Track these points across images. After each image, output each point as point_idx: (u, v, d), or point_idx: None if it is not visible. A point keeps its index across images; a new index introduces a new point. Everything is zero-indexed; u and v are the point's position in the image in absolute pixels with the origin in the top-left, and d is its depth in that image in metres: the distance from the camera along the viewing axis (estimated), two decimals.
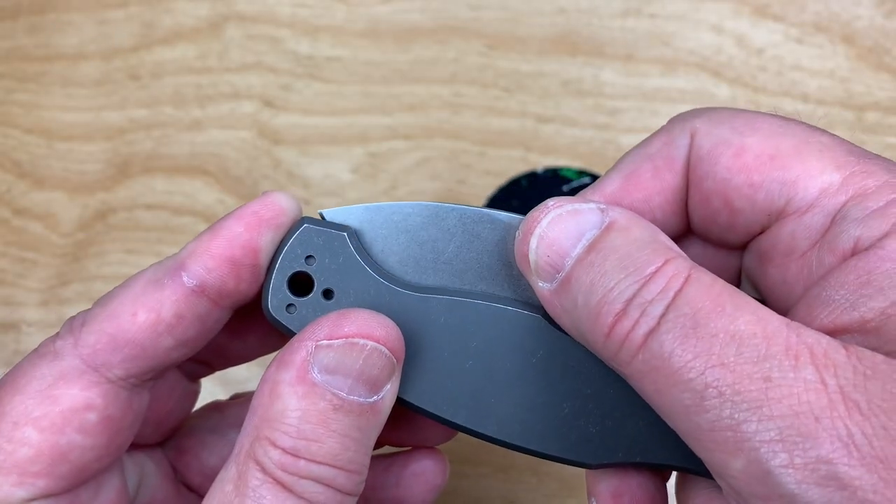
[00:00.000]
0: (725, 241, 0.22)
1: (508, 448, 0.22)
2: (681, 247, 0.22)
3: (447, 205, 0.23)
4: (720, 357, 0.17)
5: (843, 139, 0.21)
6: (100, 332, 0.21)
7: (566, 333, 0.21)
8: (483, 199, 0.39)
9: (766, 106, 0.40)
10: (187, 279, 0.21)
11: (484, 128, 0.41)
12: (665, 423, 0.19)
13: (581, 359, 0.22)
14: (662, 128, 0.22)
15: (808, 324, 0.18)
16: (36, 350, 0.22)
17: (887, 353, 0.17)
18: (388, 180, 0.40)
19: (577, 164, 0.39)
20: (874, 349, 0.17)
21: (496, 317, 0.22)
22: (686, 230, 0.23)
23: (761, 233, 0.21)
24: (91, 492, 0.22)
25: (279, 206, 0.22)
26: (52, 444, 0.20)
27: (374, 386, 0.20)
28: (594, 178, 0.39)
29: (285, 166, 0.40)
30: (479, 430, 0.22)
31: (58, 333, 0.22)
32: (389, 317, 0.21)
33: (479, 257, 0.22)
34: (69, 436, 0.20)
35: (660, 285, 0.18)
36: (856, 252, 0.19)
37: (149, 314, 0.21)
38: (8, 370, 0.39)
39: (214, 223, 0.22)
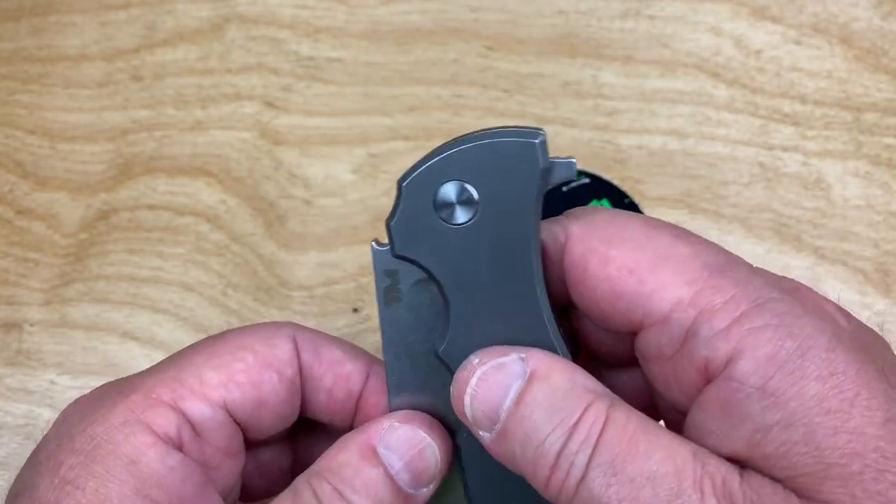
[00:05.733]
0: (609, 328, 0.24)
1: None
2: (573, 317, 0.25)
3: None
4: (639, 500, 0.19)
5: (709, 245, 0.22)
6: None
7: None
8: None
9: (765, 107, 0.40)
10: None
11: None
12: None
13: None
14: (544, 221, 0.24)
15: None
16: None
17: (768, 475, 0.19)
18: (389, 181, 0.40)
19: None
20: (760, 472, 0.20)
21: None
22: (568, 302, 0.24)
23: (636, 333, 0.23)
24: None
25: None
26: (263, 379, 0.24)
27: (416, 479, 0.24)
28: (593, 178, 0.39)
29: (286, 167, 0.41)
30: None
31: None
32: None
33: None
34: (273, 383, 0.25)
35: (583, 434, 0.20)
36: (709, 371, 0.21)
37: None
38: (9, 371, 0.39)
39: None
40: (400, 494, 0.23)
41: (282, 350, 0.25)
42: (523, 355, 0.22)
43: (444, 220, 0.22)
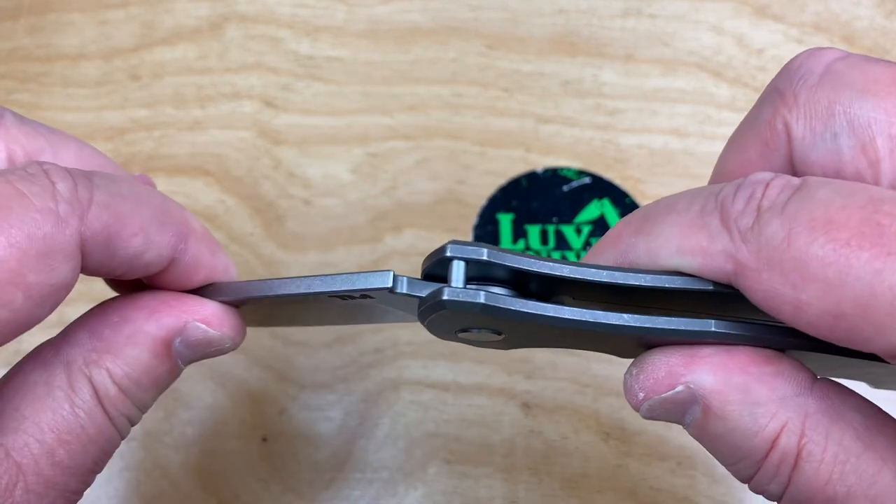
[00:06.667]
0: None
1: None
2: None
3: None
4: None
5: None
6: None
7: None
8: (483, 199, 0.39)
9: None
10: None
11: (484, 128, 0.41)
12: None
13: None
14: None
15: None
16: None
17: None
18: (389, 180, 0.40)
19: (576, 164, 0.39)
20: None
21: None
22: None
23: None
24: None
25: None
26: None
27: (194, 360, 0.23)
28: (594, 178, 0.39)
29: (285, 166, 0.40)
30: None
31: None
32: None
33: None
34: (43, 316, 0.21)
35: (771, 471, 0.19)
36: None
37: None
38: (7, 371, 0.39)
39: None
40: (178, 372, 0.23)
41: (62, 273, 0.20)
42: (692, 384, 0.19)
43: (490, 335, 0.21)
